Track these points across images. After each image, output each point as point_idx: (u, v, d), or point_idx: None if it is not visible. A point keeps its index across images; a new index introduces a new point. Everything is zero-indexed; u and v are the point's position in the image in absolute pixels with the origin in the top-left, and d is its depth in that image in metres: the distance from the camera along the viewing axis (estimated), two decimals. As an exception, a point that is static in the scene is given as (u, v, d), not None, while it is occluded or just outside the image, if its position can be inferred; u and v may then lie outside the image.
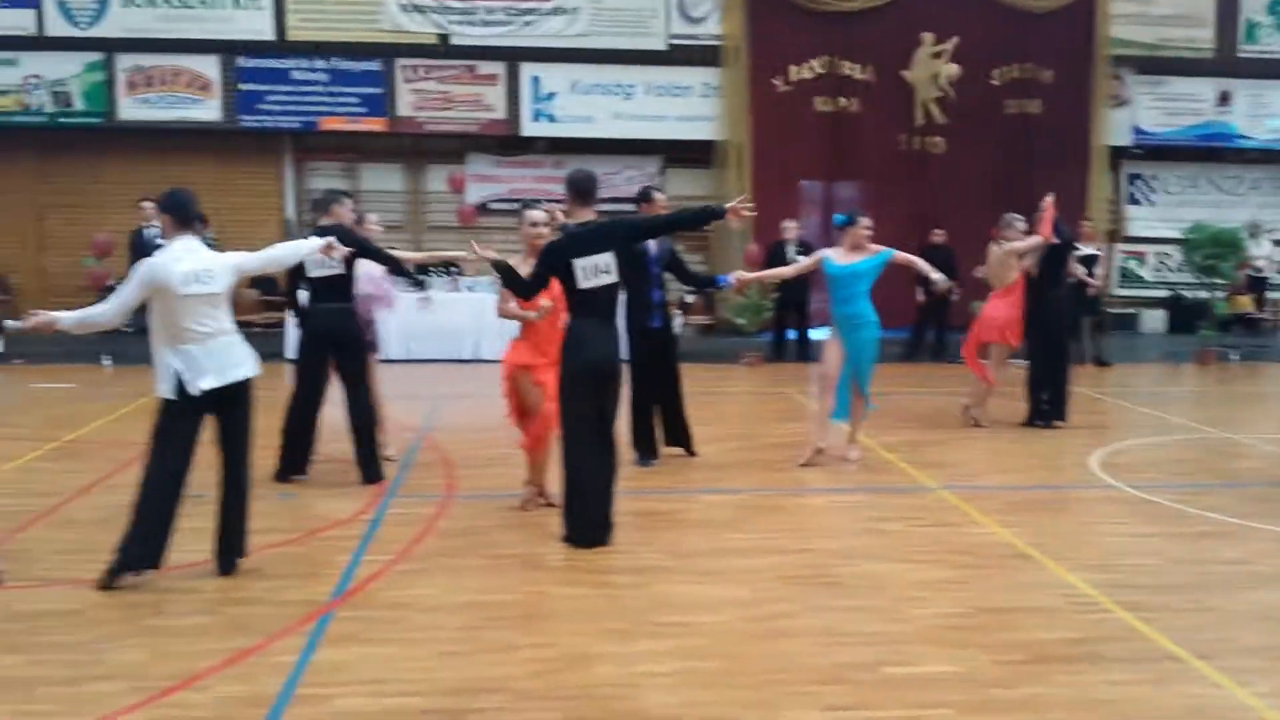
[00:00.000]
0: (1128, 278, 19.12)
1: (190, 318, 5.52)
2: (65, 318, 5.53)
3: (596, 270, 6.24)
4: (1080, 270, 12.17)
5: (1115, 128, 18.07)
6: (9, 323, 5.86)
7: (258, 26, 16.72)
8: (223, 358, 5.60)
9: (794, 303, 15.19)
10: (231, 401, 5.67)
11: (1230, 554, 6.39)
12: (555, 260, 6.30)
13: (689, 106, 17.39)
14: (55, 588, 5.59)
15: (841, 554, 6.35)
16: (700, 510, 7.31)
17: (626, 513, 6.59)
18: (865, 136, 17.58)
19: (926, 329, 15.43)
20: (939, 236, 15.22)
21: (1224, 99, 18.36)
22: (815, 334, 15.01)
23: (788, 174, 17.55)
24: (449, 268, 14.00)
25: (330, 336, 7.67)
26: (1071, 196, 16.38)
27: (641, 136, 17.39)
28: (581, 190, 6.42)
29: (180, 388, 5.50)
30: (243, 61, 16.84)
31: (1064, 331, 10.31)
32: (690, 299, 15.24)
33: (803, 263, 9.01)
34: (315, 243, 6.36)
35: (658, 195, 8.33)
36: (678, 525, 6.99)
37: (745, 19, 17.16)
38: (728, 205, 6.47)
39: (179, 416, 5.56)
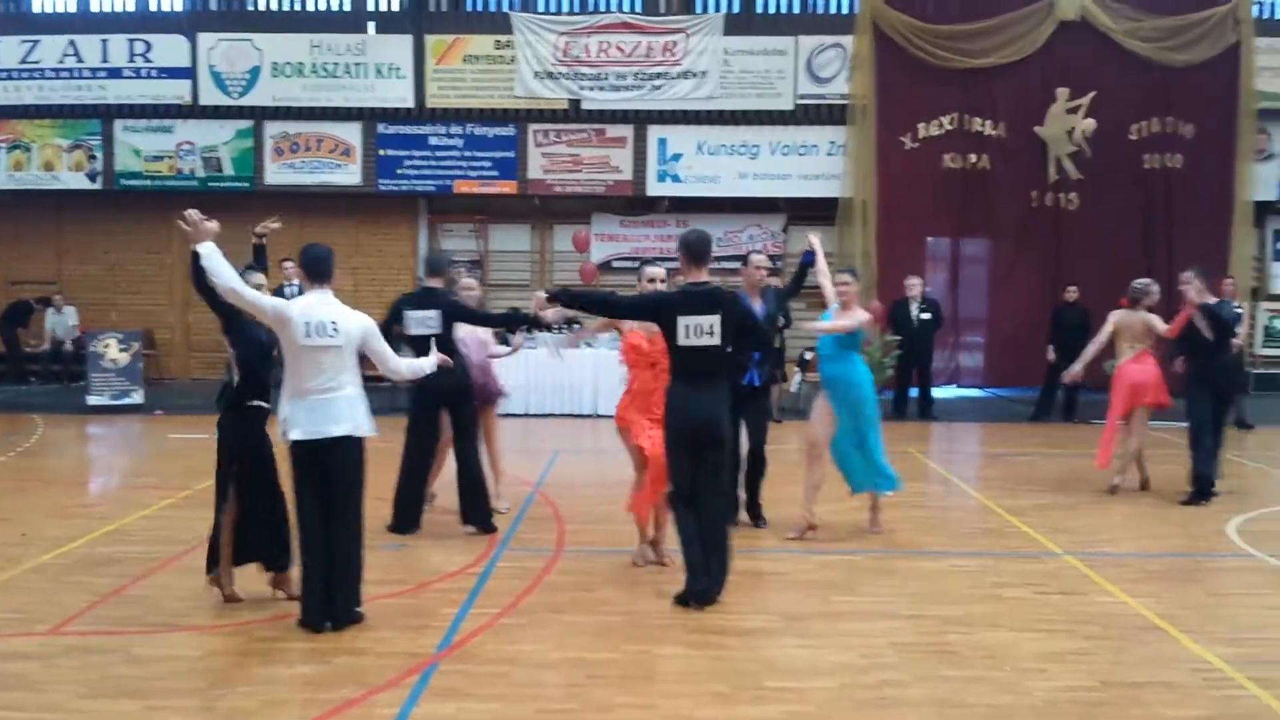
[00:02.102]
0: (1272, 337, 18.28)
1: (308, 369, 5.69)
2: (212, 248, 5.56)
3: (700, 331, 6.16)
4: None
5: (1260, 183, 17.35)
6: (190, 212, 5.73)
7: (399, 95, 17.44)
8: (321, 413, 5.69)
9: (916, 361, 14.92)
10: (331, 456, 5.73)
11: (1381, 632, 5.97)
12: (662, 309, 6.29)
13: (814, 165, 17.40)
14: (176, 633, 5.76)
15: (958, 621, 6.11)
16: (811, 571, 7.13)
17: (735, 571, 6.48)
18: (996, 193, 17.33)
19: (1057, 388, 14.92)
20: (1072, 294, 14.81)
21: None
22: (937, 392, 15.33)
23: (914, 231, 17.40)
24: (570, 324, 14.18)
25: (441, 391, 7.79)
26: (1214, 253, 15.92)
27: (765, 195, 17.47)
28: (695, 252, 6.36)
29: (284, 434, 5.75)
30: (383, 128, 17.56)
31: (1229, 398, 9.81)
32: (809, 355, 15.06)
33: (841, 322, 7.73)
34: (429, 363, 6.50)
35: (755, 258, 8.07)
36: (788, 586, 6.85)
37: (874, 78, 17.13)
38: None
39: (292, 459, 5.78)
